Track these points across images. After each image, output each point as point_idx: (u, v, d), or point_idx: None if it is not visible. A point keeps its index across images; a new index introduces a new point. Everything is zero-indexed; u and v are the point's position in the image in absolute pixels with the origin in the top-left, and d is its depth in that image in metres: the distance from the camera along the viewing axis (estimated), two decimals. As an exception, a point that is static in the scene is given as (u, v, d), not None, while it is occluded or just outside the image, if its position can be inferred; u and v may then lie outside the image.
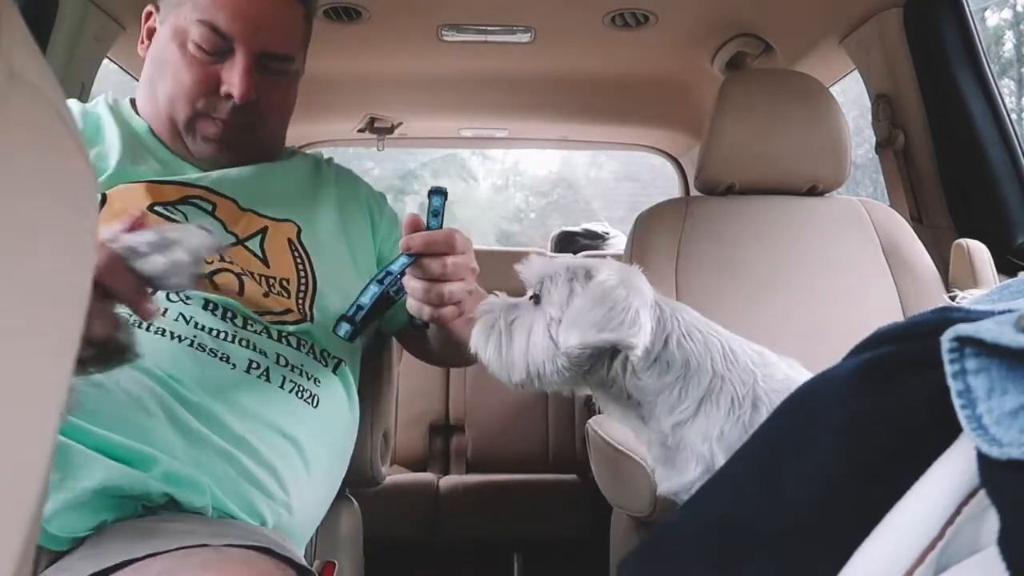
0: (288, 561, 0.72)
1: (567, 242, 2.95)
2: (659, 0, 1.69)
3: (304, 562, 0.76)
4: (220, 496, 0.78)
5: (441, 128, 2.73)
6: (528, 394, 2.47)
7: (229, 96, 0.94)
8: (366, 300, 0.85)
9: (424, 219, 0.85)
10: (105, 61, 1.60)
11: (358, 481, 1.15)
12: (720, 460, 0.74)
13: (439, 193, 0.87)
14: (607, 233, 2.97)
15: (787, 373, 0.78)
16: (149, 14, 1.01)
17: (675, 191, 2.88)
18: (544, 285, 0.80)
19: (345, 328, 0.86)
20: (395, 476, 2.25)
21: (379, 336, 1.17)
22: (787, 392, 0.74)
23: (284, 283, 0.96)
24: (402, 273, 0.84)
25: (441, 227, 0.85)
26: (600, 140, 2.87)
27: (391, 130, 2.54)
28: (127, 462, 0.73)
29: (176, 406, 0.79)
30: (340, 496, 1.17)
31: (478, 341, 0.82)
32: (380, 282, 0.85)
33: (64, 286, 0.28)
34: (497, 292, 0.90)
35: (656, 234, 1.38)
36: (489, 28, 1.85)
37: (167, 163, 0.98)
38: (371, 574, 1.26)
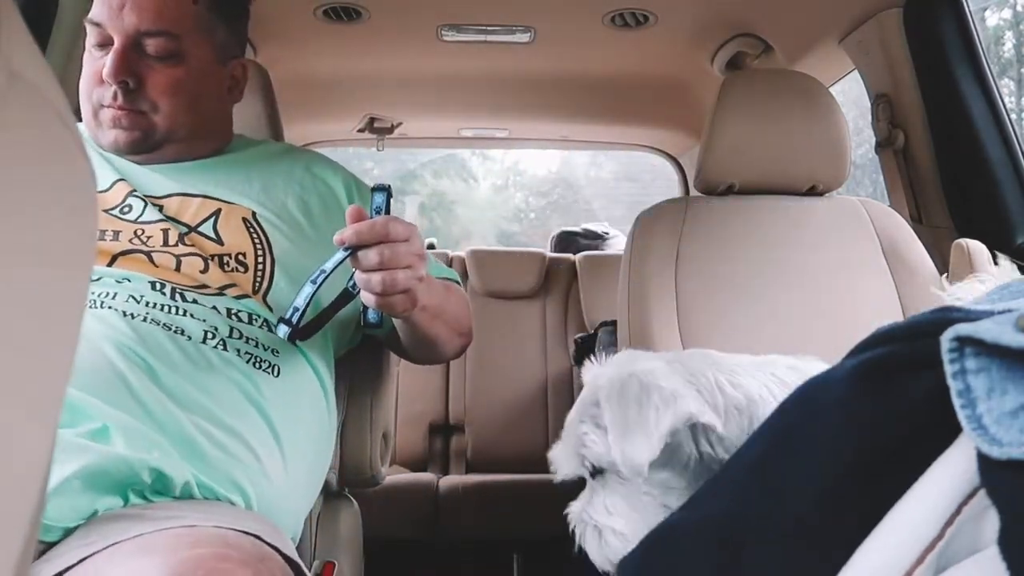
0: (278, 551, 0.71)
1: (567, 242, 2.95)
2: (659, 0, 1.69)
3: (295, 555, 0.75)
4: (195, 471, 0.78)
5: (441, 128, 2.73)
6: (528, 394, 2.48)
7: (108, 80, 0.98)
8: (301, 302, 0.86)
9: (368, 213, 0.85)
10: (105, 61, 1.60)
11: (358, 481, 1.15)
12: None
13: (382, 190, 0.87)
14: (607, 233, 2.97)
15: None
16: None
17: (675, 191, 2.88)
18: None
19: (283, 330, 0.87)
20: (395, 476, 2.25)
21: (376, 336, 1.17)
22: None
23: (240, 257, 0.97)
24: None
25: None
26: (600, 140, 2.86)
27: (391, 130, 2.54)
28: (102, 439, 0.74)
29: (142, 378, 0.80)
30: (340, 496, 1.17)
31: None
32: (314, 282, 0.85)
33: (64, 285, 0.28)
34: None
35: (656, 234, 1.38)
36: (489, 28, 1.84)
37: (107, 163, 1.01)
38: (371, 574, 1.26)
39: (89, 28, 0.99)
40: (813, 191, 1.44)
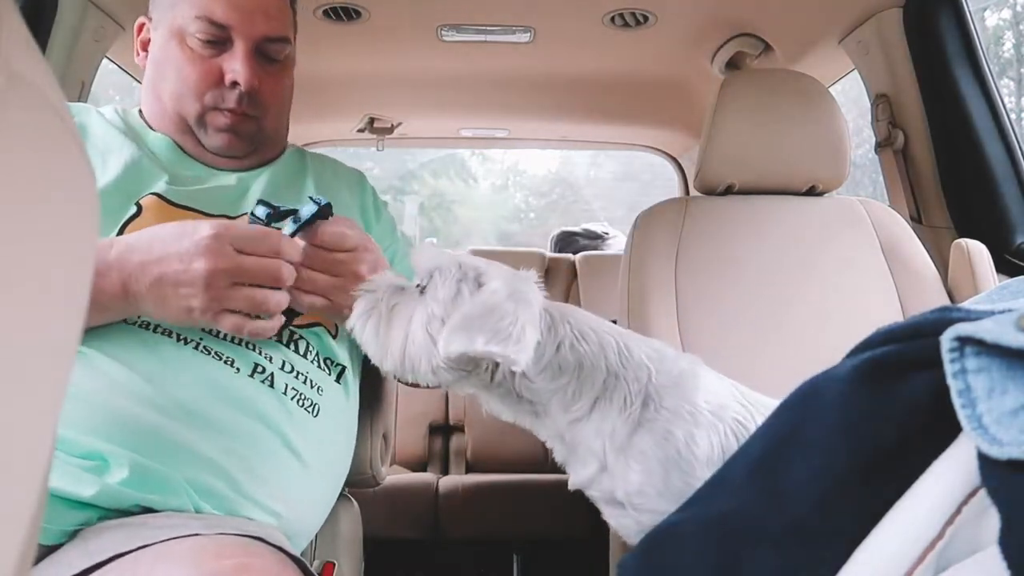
0: (282, 551, 0.72)
1: (567, 242, 2.95)
2: (659, 0, 1.70)
3: (297, 554, 0.75)
4: (211, 508, 0.78)
5: (441, 128, 2.73)
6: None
7: (235, 84, 0.95)
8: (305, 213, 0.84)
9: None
10: (105, 61, 1.60)
11: (358, 481, 1.15)
12: (611, 459, 0.74)
13: (318, 204, 0.85)
14: (607, 233, 2.97)
15: (683, 368, 0.76)
16: (141, 26, 1.03)
17: (675, 191, 2.88)
18: (432, 278, 0.77)
19: (263, 211, 0.84)
20: (395, 476, 2.25)
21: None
22: (678, 386, 0.74)
23: None
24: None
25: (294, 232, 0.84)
26: (600, 140, 2.87)
27: (391, 130, 2.54)
28: (103, 472, 0.73)
29: (171, 411, 0.79)
30: (340, 496, 1.17)
31: (357, 319, 0.79)
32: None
33: (64, 285, 0.28)
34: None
35: (656, 234, 1.38)
36: (489, 28, 1.85)
37: (179, 174, 0.97)
38: (371, 574, 1.26)
39: (200, 23, 0.94)
40: (813, 191, 1.44)
